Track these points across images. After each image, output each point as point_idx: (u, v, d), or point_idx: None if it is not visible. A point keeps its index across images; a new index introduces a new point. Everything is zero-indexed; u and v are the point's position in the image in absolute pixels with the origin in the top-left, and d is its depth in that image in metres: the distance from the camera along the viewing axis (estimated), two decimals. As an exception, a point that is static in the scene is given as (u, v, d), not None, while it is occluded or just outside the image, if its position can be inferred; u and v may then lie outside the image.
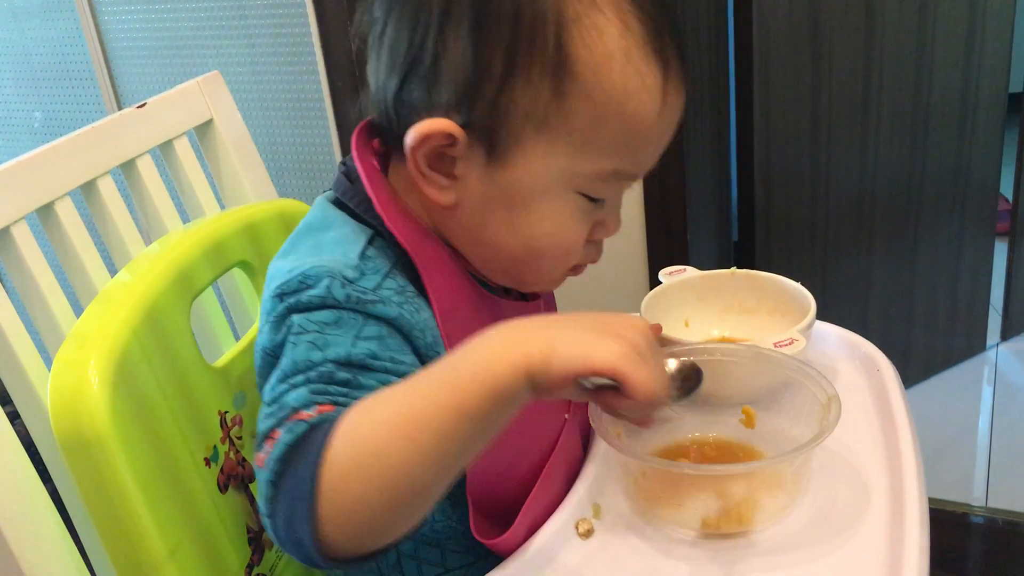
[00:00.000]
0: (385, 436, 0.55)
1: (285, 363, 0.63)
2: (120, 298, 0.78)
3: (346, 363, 0.62)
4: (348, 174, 0.73)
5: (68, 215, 0.85)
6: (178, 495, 0.75)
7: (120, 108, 2.12)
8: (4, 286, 0.78)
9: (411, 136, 0.66)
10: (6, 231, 0.79)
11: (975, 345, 2.26)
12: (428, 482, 0.56)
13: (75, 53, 2.13)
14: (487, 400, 0.55)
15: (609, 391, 0.57)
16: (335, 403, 0.60)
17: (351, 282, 0.65)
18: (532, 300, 0.81)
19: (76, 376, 0.70)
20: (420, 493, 0.57)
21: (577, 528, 0.74)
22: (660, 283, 0.96)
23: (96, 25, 2.07)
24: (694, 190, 1.74)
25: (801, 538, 0.71)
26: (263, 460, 0.58)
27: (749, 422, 0.79)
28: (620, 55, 0.63)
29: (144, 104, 0.95)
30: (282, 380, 0.62)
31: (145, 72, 2.09)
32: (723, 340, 0.95)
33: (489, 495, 0.72)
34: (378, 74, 0.70)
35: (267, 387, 0.63)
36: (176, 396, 0.77)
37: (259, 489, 0.59)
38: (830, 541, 0.70)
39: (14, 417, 0.75)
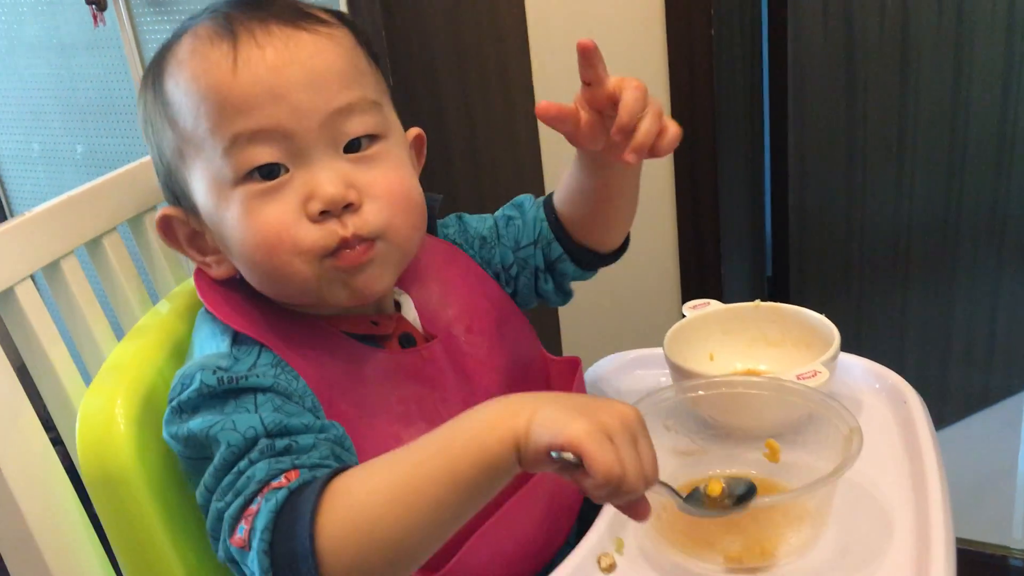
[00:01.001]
0: (382, 503, 0.59)
1: (217, 462, 0.65)
2: (149, 335, 0.80)
3: (272, 434, 0.66)
4: None
5: (116, 249, 0.88)
6: (203, 532, 0.75)
7: (164, 143, 2.16)
8: (53, 317, 0.81)
9: (159, 234, 0.77)
10: (55, 264, 0.81)
11: (1014, 384, 2.22)
12: (423, 545, 0.60)
13: (120, 87, 2.18)
14: (479, 471, 0.58)
15: (579, 469, 0.57)
16: (295, 467, 0.63)
17: (224, 369, 0.69)
18: (419, 345, 0.80)
19: (103, 418, 0.72)
20: (415, 554, 0.60)
21: (599, 563, 0.74)
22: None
23: (141, 60, 2.12)
24: (728, 225, 1.74)
25: (824, 573, 0.70)
26: (245, 536, 0.61)
27: (773, 456, 0.79)
28: (186, 57, 0.71)
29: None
30: (224, 470, 0.65)
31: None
32: (747, 373, 0.95)
33: None
34: None
35: (204, 485, 0.66)
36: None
37: (251, 565, 0.61)
38: (855, 572, 0.70)
39: (56, 443, 0.77)
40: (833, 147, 1.83)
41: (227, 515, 0.63)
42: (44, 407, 0.80)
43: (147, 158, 0.93)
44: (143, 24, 2.09)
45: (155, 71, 0.74)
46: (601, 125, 0.76)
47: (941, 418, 2.07)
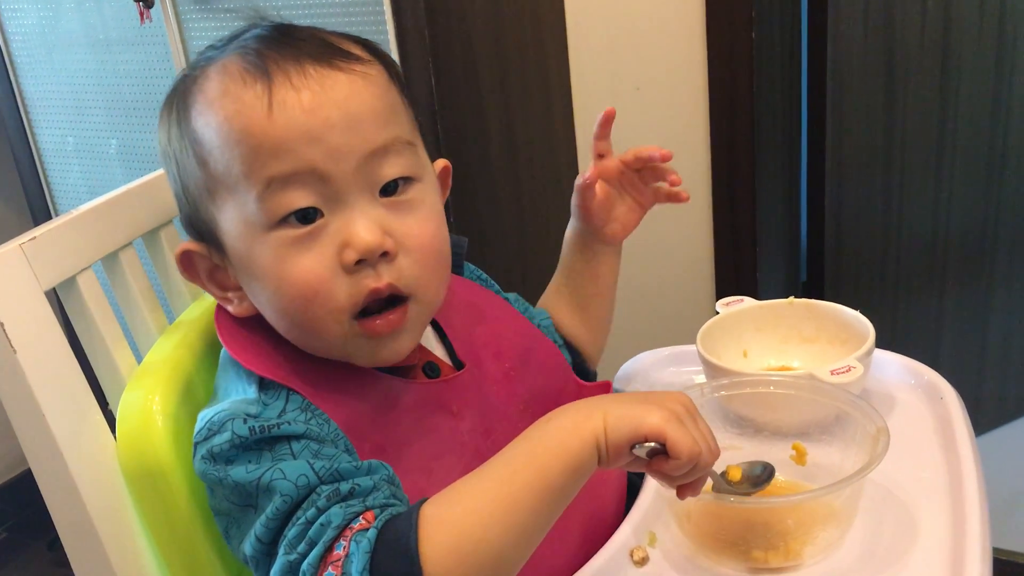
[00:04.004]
0: (483, 522, 0.61)
1: (270, 512, 0.65)
2: (185, 331, 0.82)
3: (327, 480, 0.65)
4: None
5: (171, 242, 0.90)
6: None
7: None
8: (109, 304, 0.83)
9: (178, 268, 0.76)
10: (114, 256, 0.84)
11: (1050, 393, 2.21)
12: (524, 554, 0.63)
13: (164, 84, 2.19)
14: (567, 474, 0.62)
15: (659, 456, 0.63)
16: (368, 509, 0.64)
17: (254, 416, 0.68)
18: (445, 375, 0.79)
19: (141, 413, 0.74)
20: (518, 563, 0.63)
21: (632, 556, 0.75)
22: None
23: (186, 57, 2.14)
24: (764, 229, 1.75)
25: (854, 572, 0.71)
26: None
27: (800, 459, 0.79)
28: (217, 96, 0.69)
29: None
30: (279, 520, 0.65)
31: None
32: (781, 369, 0.95)
33: None
34: None
35: (256, 537, 0.65)
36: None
37: None
38: (882, 574, 0.70)
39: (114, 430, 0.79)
40: (871, 152, 1.83)
41: (306, 564, 0.62)
42: (102, 397, 0.81)
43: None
44: (189, 22, 2.11)
45: (180, 105, 0.72)
46: (610, 199, 0.92)
47: (975, 426, 2.04)
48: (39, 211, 2.31)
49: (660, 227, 1.77)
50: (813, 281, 1.95)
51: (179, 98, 0.73)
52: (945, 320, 2.01)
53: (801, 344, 0.97)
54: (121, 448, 0.76)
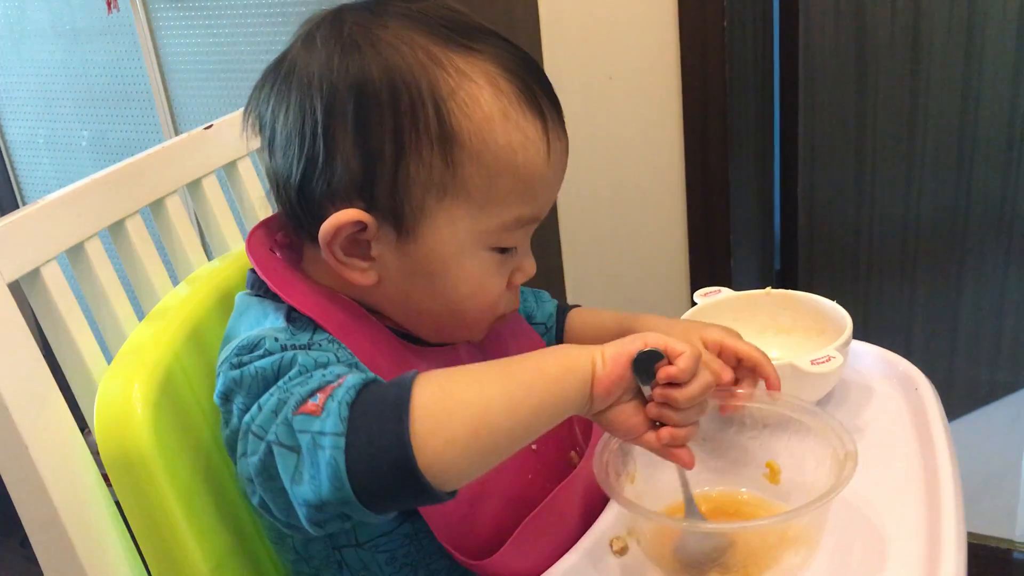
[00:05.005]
0: (473, 378, 0.64)
1: (282, 381, 0.65)
2: (165, 319, 0.81)
3: (346, 362, 0.67)
4: (255, 271, 0.77)
5: (138, 232, 0.89)
6: (221, 511, 0.78)
7: (176, 129, 2.17)
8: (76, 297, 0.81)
9: (323, 232, 0.70)
10: (80, 247, 0.82)
11: (1019, 379, 2.22)
12: (505, 424, 0.62)
13: (133, 75, 2.18)
14: (563, 370, 0.65)
15: (659, 366, 0.65)
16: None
17: (286, 339, 0.69)
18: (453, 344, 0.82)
19: (120, 401, 0.73)
20: (496, 431, 0.62)
21: (611, 545, 0.75)
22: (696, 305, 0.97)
23: (155, 47, 2.12)
24: (738, 218, 1.75)
25: (831, 563, 0.70)
26: (319, 403, 0.60)
27: (773, 477, 0.78)
28: (499, 116, 0.69)
29: (211, 125, 0.99)
30: (290, 381, 0.64)
31: (201, 94, 2.13)
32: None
33: (464, 538, 0.73)
34: (276, 174, 0.74)
35: (257, 405, 0.64)
36: (217, 414, 0.79)
37: (322, 422, 0.59)
38: (859, 562, 0.70)
39: (81, 425, 0.78)
40: (843, 140, 1.83)
41: (295, 395, 0.62)
42: (68, 389, 0.80)
43: (173, 141, 0.94)
44: (157, 11, 2.09)
45: (430, 92, 0.68)
46: None
47: (947, 412, 2.07)
48: (7, 204, 2.28)
49: (634, 217, 1.77)
50: (787, 270, 1.96)
51: (426, 82, 0.68)
52: (917, 307, 2.02)
53: (778, 334, 0.97)
54: (100, 438, 0.74)
